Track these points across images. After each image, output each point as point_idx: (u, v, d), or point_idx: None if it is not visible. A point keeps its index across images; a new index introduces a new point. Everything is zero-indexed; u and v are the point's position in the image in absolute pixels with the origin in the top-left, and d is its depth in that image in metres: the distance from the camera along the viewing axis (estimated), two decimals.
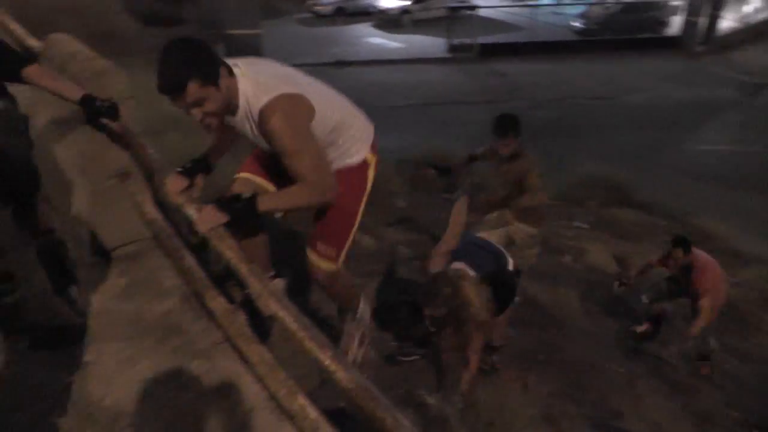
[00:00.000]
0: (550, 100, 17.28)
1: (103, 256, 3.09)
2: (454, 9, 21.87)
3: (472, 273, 3.04)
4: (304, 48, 21.05)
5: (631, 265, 6.84)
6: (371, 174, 2.55)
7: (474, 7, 21.87)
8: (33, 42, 4.48)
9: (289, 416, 1.69)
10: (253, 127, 2.21)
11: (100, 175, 2.99)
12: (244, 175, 2.63)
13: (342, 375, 1.53)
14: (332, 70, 19.42)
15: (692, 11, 21.38)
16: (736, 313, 6.07)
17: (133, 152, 2.93)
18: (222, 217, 2.19)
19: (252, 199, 2.21)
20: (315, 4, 26.29)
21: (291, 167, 2.19)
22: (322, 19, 25.24)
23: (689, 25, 21.53)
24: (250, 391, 2.28)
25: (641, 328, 5.30)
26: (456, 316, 2.84)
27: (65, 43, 3.45)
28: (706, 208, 9.54)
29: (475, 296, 2.82)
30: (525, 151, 4.54)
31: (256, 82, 2.15)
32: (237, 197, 2.26)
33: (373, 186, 2.63)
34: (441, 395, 3.07)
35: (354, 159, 2.47)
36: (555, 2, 27.61)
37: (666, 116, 16.51)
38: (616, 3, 22.95)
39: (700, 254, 5.20)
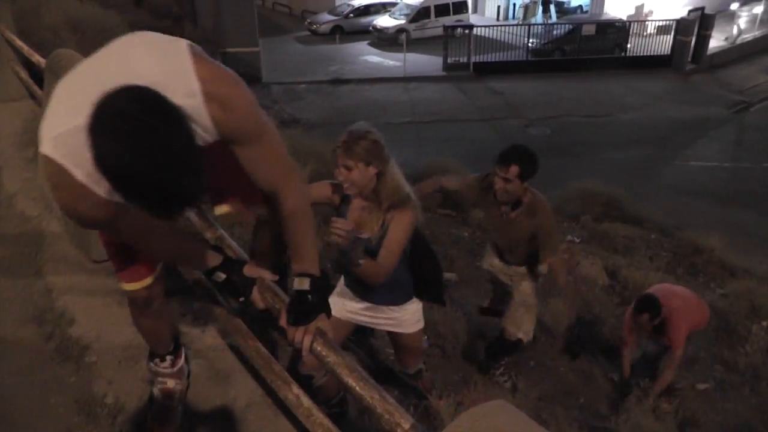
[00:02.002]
0: (545, 118, 17.48)
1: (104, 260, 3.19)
2: (450, 28, 22.21)
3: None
4: (303, 66, 21.24)
5: (623, 279, 6.95)
6: None
7: (470, 27, 22.17)
8: (38, 57, 4.64)
9: (284, 405, 1.78)
10: None
11: None
12: None
13: (333, 358, 1.62)
14: (330, 87, 19.62)
15: (682, 30, 21.76)
16: (725, 323, 6.17)
17: None
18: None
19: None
20: (313, 23, 26.62)
21: None
22: (320, 37, 25.53)
23: (679, 44, 21.89)
24: (247, 387, 2.39)
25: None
26: None
27: (69, 57, 3.56)
28: (696, 223, 9.67)
29: None
30: (538, 200, 3.57)
31: None
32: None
33: None
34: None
35: None
36: (548, 22, 28.04)
37: (658, 133, 16.72)
38: (572, 24, 23.06)
39: (670, 300, 4.52)
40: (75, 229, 3.29)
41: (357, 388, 1.60)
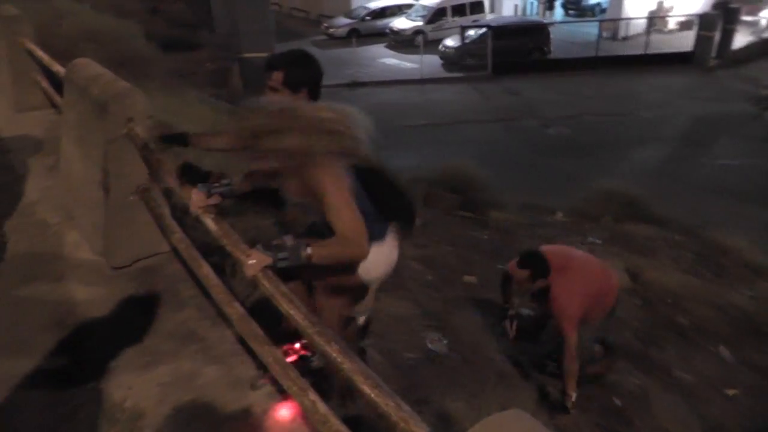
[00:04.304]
0: (564, 118, 17.30)
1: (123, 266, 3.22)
2: (466, 28, 22.15)
3: None
4: None
5: (645, 278, 6.84)
6: None
7: (487, 26, 22.08)
8: (58, 67, 4.70)
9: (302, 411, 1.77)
10: None
11: (122, 191, 3.13)
12: None
13: (348, 366, 1.62)
14: (347, 90, 19.64)
15: (705, 26, 21.40)
16: (752, 325, 6.03)
17: (151, 169, 3.05)
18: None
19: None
20: (329, 27, 26.77)
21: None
22: (336, 41, 25.64)
23: (702, 40, 21.52)
24: (264, 392, 2.38)
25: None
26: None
27: (88, 67, 3.60)
28: (721, 222, 9.46)
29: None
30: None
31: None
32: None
33: None
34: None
35: None
36: (566, 20, 27.83)
37: (681, 131, 16.45)
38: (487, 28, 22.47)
39: (566, 269, 3.90)
40: (95, 237, 3.32)
41: (372, 396, 1.59)
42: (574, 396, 3.91)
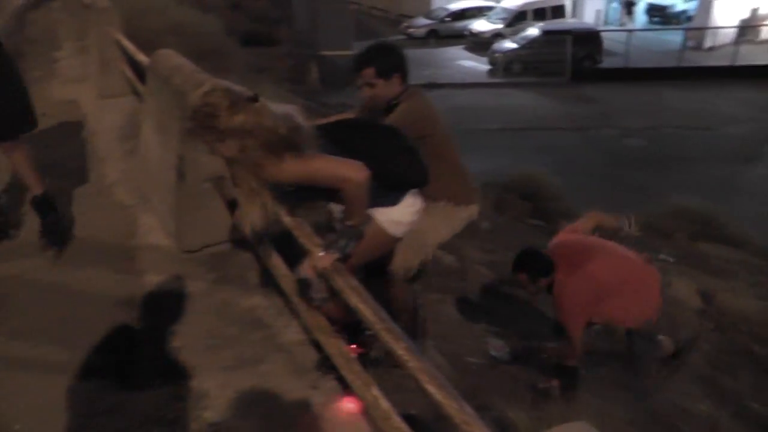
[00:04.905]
0: (642, 129, 16.72)
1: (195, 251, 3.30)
2: (547, 33, 21.71)
3: None
4: None
5: (718, 302, 6.53)
6: None
7: (568, 32, 21.55)
8: (142, 57, 4.89)
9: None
10: None
11: (197, 178, 3.20)
12: None
13: (414, 365, 1.59)
14: (423, 92, 19.52)
15: None
16: None
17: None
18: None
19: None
20: (408, 27, 26.86)
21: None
22: (415, 41, 25.60)
23: None
24: (327, 385, 2.38)
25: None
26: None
27: (170, 57, 3.72)
28: None
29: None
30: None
31: None
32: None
33: None
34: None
35: None
36: (647, 27, 26.87)
37: (764, 149, 15.62)
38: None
39: (576, 262, 3.48)
40: (168, 220, 3.42)
41: (437, 396, 1.56)
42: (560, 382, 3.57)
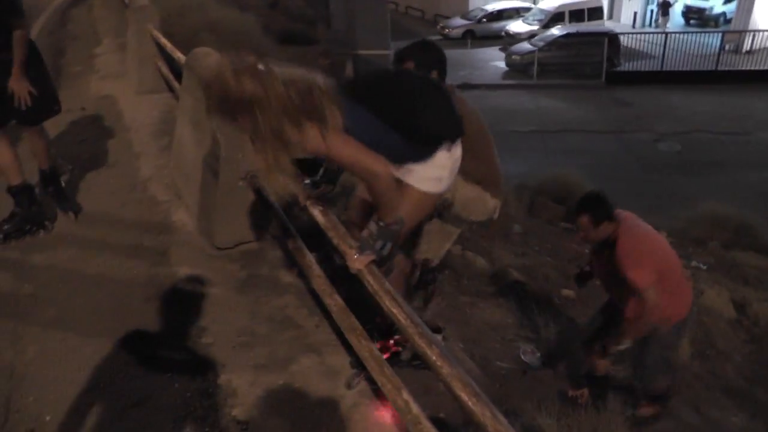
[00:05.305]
0: (676, 133, 16.40)
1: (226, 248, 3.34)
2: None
3: None
4: None
5: (752, 312, 6.38)
6: None
7: (605, 34, 21.23)
8: (179, 55, 4.96)
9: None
10: None
11: (231, 176, 3.24)
12: None
13: (447, 371, 1.58)
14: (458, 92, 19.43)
15: None
16: None
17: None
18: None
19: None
20: (445, 27, 26.83)
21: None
22: (451, 41, 25.48)
23: None
24: (357, 387, 2.39)
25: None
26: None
27: (208, 56, 3.77)
28: None
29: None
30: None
31: None
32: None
33: None
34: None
35: None
36: (683, 29, 26.33)
37: None
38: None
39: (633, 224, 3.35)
40: (201, 217, 3.46)
41: (470, 404, 1.56)
42: (620, 347, 3.39)
